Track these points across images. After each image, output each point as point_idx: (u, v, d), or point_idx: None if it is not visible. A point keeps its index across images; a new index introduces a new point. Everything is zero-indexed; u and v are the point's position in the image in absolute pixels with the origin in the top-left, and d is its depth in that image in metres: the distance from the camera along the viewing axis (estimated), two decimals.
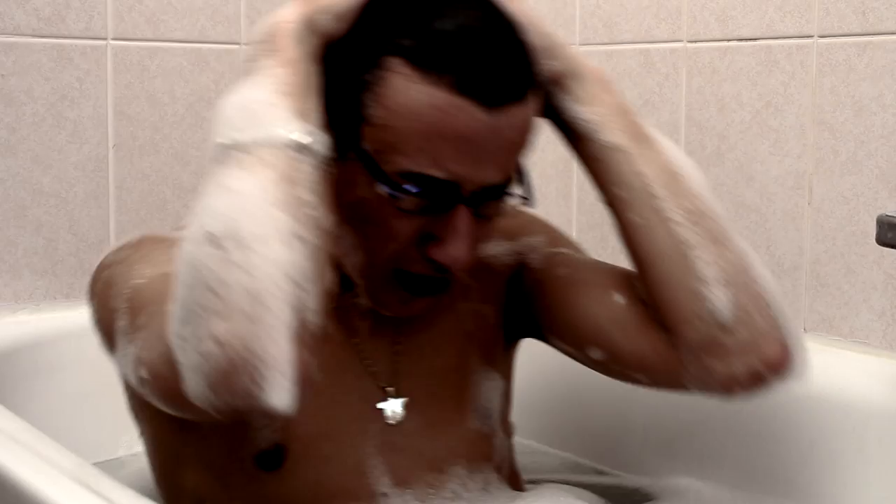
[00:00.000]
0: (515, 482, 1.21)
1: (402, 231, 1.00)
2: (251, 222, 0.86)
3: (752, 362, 1.03)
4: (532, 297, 1.17)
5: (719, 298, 1.03)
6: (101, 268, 1.08)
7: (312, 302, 0.87)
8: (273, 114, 0.92)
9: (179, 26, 1.60)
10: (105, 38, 1.54)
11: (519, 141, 1.02)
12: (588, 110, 1.06)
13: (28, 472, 0.93)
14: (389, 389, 1.11)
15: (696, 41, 1.50)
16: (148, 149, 1.62)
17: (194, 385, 0.86)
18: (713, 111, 1.49)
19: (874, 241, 1.11)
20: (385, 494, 1.09)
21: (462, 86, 0.96)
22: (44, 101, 1.49)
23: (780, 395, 1.25)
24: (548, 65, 1.05)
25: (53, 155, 1.51)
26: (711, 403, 1.40)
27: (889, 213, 1.10)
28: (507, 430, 1.22)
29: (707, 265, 1.04)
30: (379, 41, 0.99)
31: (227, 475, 1.06)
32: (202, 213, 0.88)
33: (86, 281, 1.52)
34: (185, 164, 1.66)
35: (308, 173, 0.91)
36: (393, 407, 1.11)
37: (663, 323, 1.06)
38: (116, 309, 1.02)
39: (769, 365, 1.04)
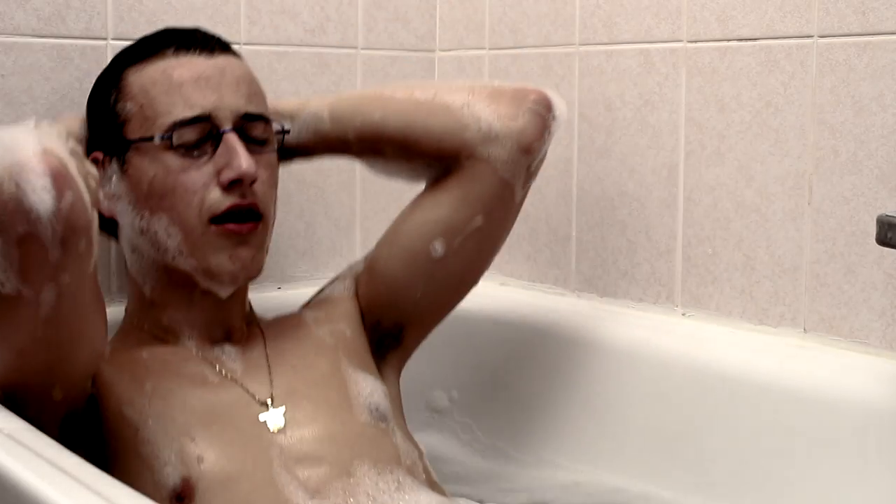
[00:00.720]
0: (435, 488, 1.24)
1: (195, 180, 1.17)
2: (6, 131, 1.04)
3: (528, 108, 1.28)
4: (373, 284, 1.34)
5: (467, 99, 1.29)
6: None
7: (59, 142, 1.03)
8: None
9: (179, 26, 1.60)
10: (105, 38, 1.53)
11: (248, 78, 1.23)
12: (305, 114, 1.32)
13: (28, 473, 0.93)
14: (266, 401, 1.19)
15: (696, 41, 1.50)
16: None
17: None
18: (713, 111, 1.49)
19: (874, 241, 1.11)
20: None
21: (178, 50, 1.21)
22: (44, 101, 1.49)
23: (779, 395, 1.24)
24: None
25: None
26: (709, 404, 1.40)
27: (889, 213, 1.09)
28: (410, 437, 1.29)
29: (445, 95, 1.30)
30: (110, 79, 1.24)
31: None
32: None
33: None
34: None
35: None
36: (274, 416, 1.19)
37: (458, 158, 1.28)
38: None
39: (539, 102, 1.30)
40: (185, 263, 1.19)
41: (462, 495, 1.40)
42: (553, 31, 1.69)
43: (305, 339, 1.28)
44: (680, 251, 1.54)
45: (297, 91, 1.70)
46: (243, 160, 1.16)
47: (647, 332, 1.50)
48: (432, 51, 1.86)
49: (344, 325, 1.31)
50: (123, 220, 1.21)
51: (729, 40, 1.46)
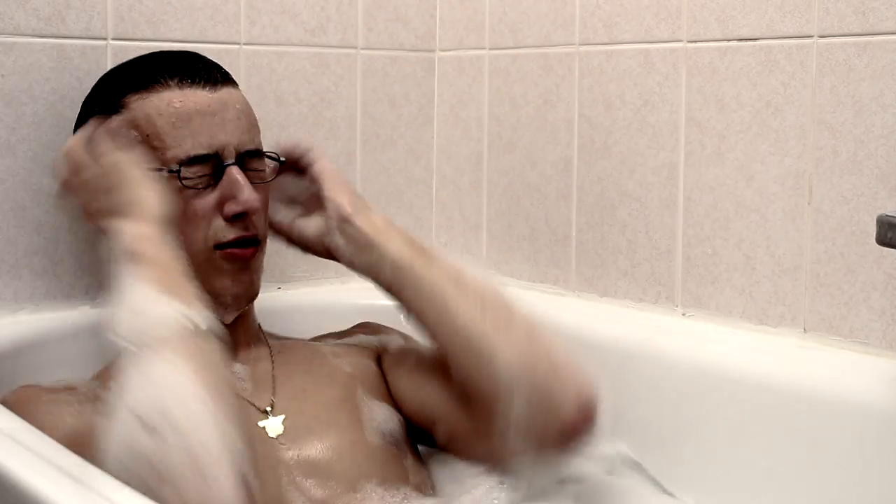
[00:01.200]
0: None
1: (203, 207, 1.23)
2: (181, 409, 0.96)
3: (578, 400, 1.18)
4: (395, 385, 1.31)
5: (516, 378, 1.15)
6: None
7: (245, 458, 0.96)
8: (162, 310, 1.04)
9: (179, 26, 1.60)
10: (105, 38, 1.54)
11: (247, 110, 1.29)
12: (375, 251, 1.23)
13: (28, 472, 0.93)
14: (266, 409, 1.22)
15: (696, 41, 1.50)
16: None
17: None
18: (713, 111, 1.49)
19: (874, 241, 1.11)
20: None
21: (182, 81, 1.25)
22: (44, 101, 1.49)
23: (779, 395, 1.24)
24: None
25: (53, 155, 1.51)
26: (709, 404, 1.40)
27: (889, 213, 1.10)
28: (422, 463, 1.28)
29: (498, 352, 1.16)
30: (110, 102, 1.28)
31: None
32: (129, 403, 0.98)
33: (86, 281, 1.53)
34: None
35: (214, 352, 1.04)
36: (272, 423, 1.20)
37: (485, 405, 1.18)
38: None
39: (587, 396, 1.19)
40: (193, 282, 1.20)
41: (460, 493, 1.40)
42: (553, 31, 1.69)
43: (319, 368, 1.29)
44: (680, 251, 1.54)
45: (296, 91, 1.71)
46: (248, 194, 1.23)
47: (647, 332, 1.50)
48: (432, 51, 1.86)
49: (366, 360, 1.32)
50: None
51: (729, 40, 1.46)
